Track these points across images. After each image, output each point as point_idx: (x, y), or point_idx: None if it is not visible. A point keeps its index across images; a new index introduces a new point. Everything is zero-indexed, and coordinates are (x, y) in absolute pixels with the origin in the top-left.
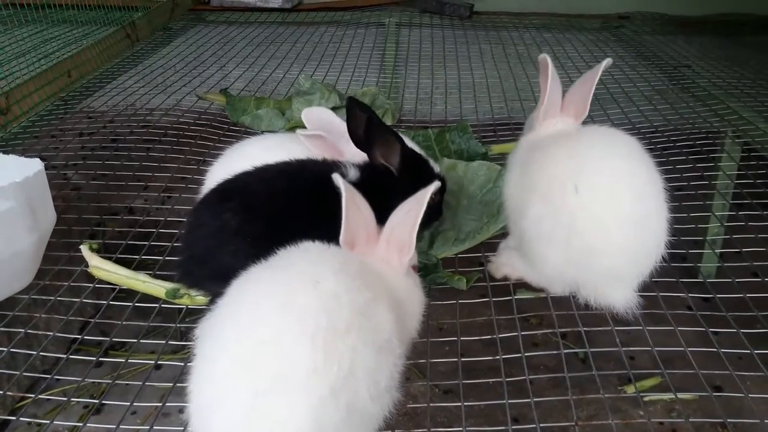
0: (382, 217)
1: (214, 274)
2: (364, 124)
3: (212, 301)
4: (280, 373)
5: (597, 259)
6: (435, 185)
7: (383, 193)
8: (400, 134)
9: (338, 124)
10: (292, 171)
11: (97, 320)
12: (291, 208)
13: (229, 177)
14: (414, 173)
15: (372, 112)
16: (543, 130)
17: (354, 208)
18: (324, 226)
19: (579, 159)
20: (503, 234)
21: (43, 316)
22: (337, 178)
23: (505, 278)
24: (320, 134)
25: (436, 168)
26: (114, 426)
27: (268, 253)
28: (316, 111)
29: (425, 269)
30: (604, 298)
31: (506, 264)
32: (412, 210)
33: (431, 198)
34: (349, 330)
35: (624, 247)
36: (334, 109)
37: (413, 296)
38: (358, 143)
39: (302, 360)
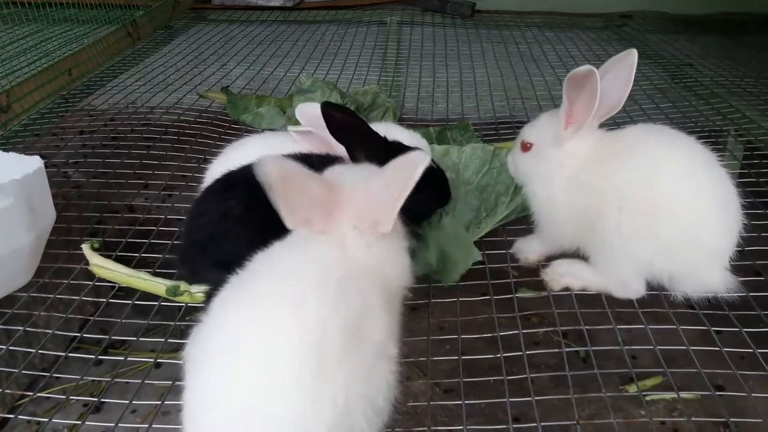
0: None
1: (214, 261)
2: (344, 125)
3: (211, 294)
4: (275, 417)
5: (696, 239)
6: (419, 156)
7: None
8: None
9: None
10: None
11: (97, 318)
12: None
13: (233, 169)
14: None
15: (349, 112)
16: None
17: (291, 187)
18: None
19: (658, 158)
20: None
21: (42, 314)
22: (258, 163)
23: (567, 288)
24: (310, 130)
25: (426, 150)
26: (113, 424)
27: (271, 241)
28: (309, 107)
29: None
30: (703, 283)
31: (567, 273)
32: (397, 182)
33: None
34: (341, 358)
35: (717, 221)
36: None
37: (393, 262)
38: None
39: (294, 404)
